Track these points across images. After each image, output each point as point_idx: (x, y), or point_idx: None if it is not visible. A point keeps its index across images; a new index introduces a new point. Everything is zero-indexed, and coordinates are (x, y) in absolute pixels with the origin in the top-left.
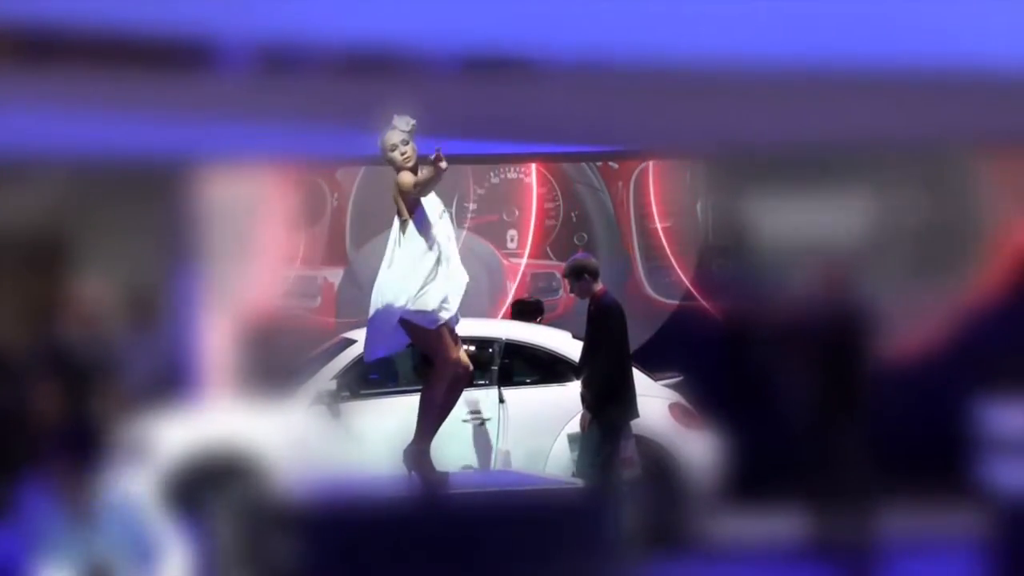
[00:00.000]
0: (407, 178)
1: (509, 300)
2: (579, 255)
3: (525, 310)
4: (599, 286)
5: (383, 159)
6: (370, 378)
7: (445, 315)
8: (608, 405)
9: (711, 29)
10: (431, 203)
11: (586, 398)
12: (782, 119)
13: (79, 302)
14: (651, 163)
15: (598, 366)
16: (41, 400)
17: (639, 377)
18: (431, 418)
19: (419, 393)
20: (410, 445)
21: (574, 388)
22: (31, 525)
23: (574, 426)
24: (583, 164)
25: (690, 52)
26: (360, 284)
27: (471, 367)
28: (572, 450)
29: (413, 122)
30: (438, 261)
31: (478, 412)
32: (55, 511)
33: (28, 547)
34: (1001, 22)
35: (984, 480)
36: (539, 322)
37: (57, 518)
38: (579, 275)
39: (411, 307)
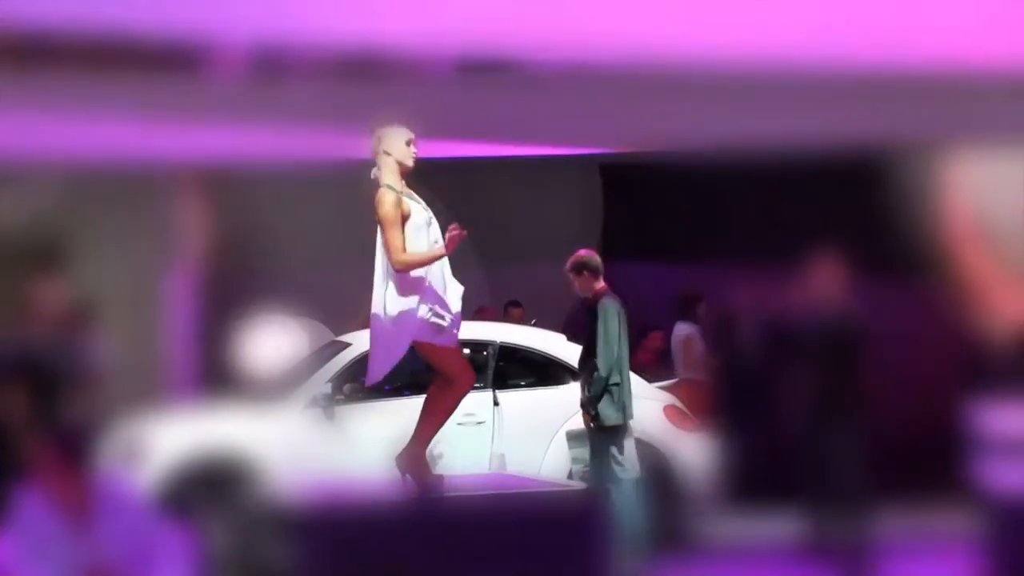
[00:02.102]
0: (395, 240)
1: None
2: (582, 251)
3: (516, 313)
4: (600, 284)
5: (382, 154)
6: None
7: (457, 330)
8: (605, 406)
9: (708, 28)
10: (418, 213)
11: (584, 401)
12: (778, 119)
13: (55, 304)
14: None
15: (596, 366)
16: (14, 403)
17: (634, 379)
18: (434, 427)
19: (419, 397)
20: (404, 449)
21: (568, 390)
22: (26, 529)
23: (570, 426)
24: None
25: (686, 52)
26: None
27: (474, 377)
28: (571, 448)
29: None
30: (440, 274)
31: (472, 415)
32: (50, 515)
33: (23, 552)
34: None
35: (980, 481)
36: (533, 324)
37: (52, 522)
38: (579, 271)
39: (426, 327)
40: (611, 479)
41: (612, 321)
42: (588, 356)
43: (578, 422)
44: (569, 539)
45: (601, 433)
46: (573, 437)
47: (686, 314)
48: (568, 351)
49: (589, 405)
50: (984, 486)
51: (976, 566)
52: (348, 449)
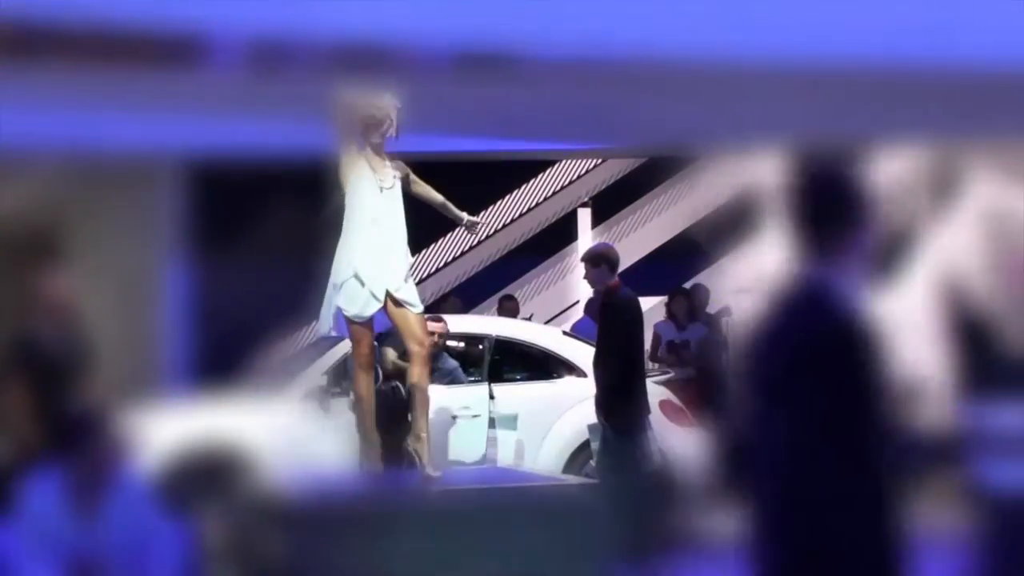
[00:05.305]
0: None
1: None
2: (601, 243)
3: (510, 306)
4: (614, 279)
5: (358, 119)
6: None
7: (369, 311)
8: (620, 405)
9: (708, 24)
10: (369, 179)
11: (599, 400)
12: (779, 116)
13: (55, 296)
14: None
15: (609, 365)
16: (14, 394)
17: None
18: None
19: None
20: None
21: (564, 385)
22: (31, 519)
23: (567, 422)
24: None
25: (687, 47)
26: None
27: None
28: (593, 440)
29: (398, 106)
30: (374, 248)
31: (468, 408)
32: (57, 505)
33: (26, 541)
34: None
35: (979, 479)
36: (530, 318)
37: (58, 512)
38: (596, 263)
39: (338, 300)
40: (624, 475)
41: (625, 316)
42: (600, 353)
43: (574, 417)
44: (563, 532)
45: (614, 431)
46: (595, 430)
47: (669, 312)
48: (564, 345)
49: (602, 403)
50: (985, 484)
51: (974, 565)
52: (343, 442)
